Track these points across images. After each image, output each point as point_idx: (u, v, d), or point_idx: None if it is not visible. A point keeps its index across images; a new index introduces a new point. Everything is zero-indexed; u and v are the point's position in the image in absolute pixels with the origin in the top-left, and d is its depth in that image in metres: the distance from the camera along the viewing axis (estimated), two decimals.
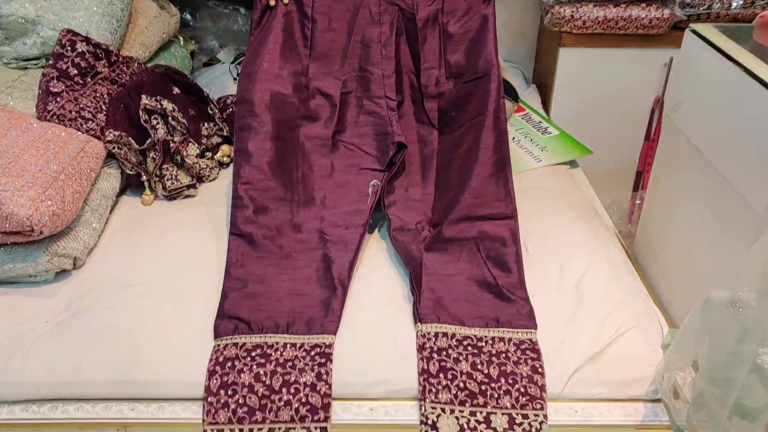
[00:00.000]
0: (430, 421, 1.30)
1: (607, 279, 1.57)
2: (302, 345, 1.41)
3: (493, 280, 1.53)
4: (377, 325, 1.45)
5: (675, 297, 1.65)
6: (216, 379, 1.35)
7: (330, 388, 1.35)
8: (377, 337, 1.43)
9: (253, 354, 1.39)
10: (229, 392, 1.33)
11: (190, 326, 1.45)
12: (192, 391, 1.35)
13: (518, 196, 1.70)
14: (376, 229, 1.74)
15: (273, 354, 1.39)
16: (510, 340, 1.43)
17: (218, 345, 1.41)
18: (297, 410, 1.32)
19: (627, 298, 1.52)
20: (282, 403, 1.32)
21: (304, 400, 1.33)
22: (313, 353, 1.39)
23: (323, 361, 1.38)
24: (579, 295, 1.54)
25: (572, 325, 1.46)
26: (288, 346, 1.41)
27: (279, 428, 1.31)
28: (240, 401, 1.32)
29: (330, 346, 1.41)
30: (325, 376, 1.36)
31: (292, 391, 1.34)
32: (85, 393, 1.35)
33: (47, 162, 1.53)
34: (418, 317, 1.45)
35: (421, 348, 1.40)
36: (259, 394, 1.33)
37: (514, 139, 2.18)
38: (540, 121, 2.29)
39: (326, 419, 1.32)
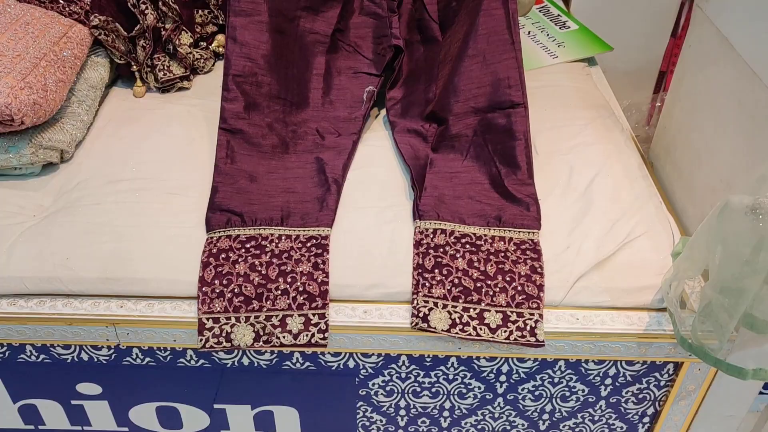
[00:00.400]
0: (421, 314, 1.27)
1: (618, 183, 1.48)
2: (297, 237, 1.37)
3: (499, 177, 1.46)
4: (374, 226, 1.39)
5: (690, 203, 1.56)
6: (210, 270, 1.31)
7: (327, 276, 1.31)
8: (373, 240, 1.37)
9: (248, 246, 1.35)
10: (224, 282, 1.30)
11: (180, 223, 1.39)
12: (182, 290, 1.32)
13: (529, 94, 1.59)
14: (375, 130, 1.64)
15: (268, 245, 1.35)
16: (510, 239, 1.37)
17: (211, 238, 1.36)
18: (294, 298, 1.29)
19: (638, 204, 1.44)
20: (279, 291, 1.29)
21: (301, 288, 1.29)
22: (309, 244, 1.35)
23: (320, 251, 1.34)
24: (588, 199, 1.46)
25: (578, 231, 1.39)
26: (283, 237, 1.37)
27: (276, 316, 1.28)
28: (236, 290, 1.29)
29: (326, 238, 1.36)
30: (322, 266, 1.32)
31: (289, 280, 1.30)
32: (72, 289, 1.32)
33: (26, 47, 1.44)
34: (418, 214, 1.39)
35: (417, 244, 1.35)
36: (255, 283, 1.30)
37: (529, 33, 2.03)
38: (559, 15, 2.13)
39: (324, 306, 1.29)
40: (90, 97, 1.65)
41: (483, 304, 1.28)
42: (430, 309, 1.28)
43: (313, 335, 1.28)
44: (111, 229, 1.37)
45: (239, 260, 1.33)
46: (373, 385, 1.41)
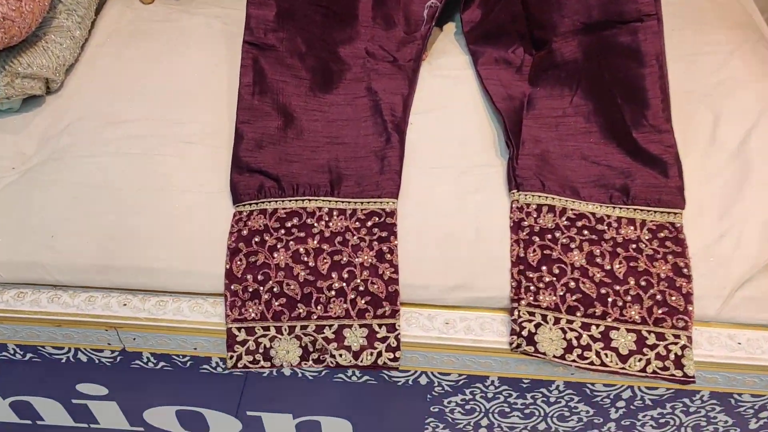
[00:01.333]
0: (525, 332, 0.93)
1: None
2: (354, 212, 1.02)
3: (622, 120, 1.06)
4: (453, 198, 1.04)
5: None
6: (240, 260, 0.98)
7: (396, 271, 0.97)
8: (453, 218, 1.02)
9: (289, 224, 1.01)
10: (259, 277, 0.97)
11: (200, 186, 1.05)
12: (204, 284, 0.99)
13: None
14: (445, 55, 1.24)
15: (316, 225, 1.01)
16: (643, 223, 1.00)
17: (240, 213, 1.02)
18: (353, 302, 0.96)
19: None
20: (333, 292, 0.97)
21: (362, 287, 0.97)
22: (369, 224, 1.01)
23: (385, 234, 0.99)
24: (743, 162, 1.06)
25: (735, 211, 1.01)
26: (335, 213, 1.02)
27: (329, 327, 0.96)
28: (275, 290, 0.97)
29: (392, 214, 1.01)
30: (389, 256, 0.98)
31: (345, 275, 0.97)
32: (60, 279, 1.00)
33: None
34: (515, 181, 1.03)
35: (516, 226, 1.00)
36: (301, 279, 0.97)
37: None
38: None
39: (394, 313, 0.96)
40: (83, 5, 1.27)
41: (609, 320, 0.94)
42: (537, 325, 0.94)
43: (379, 354, 0.95)
44: (109, 195, 1.04)
45: (278, 246, 0.99)
46: (449, 403, 1.10)
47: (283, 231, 1.01)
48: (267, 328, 0.97)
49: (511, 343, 0.94)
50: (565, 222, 1.01)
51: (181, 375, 1.10)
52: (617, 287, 0.95)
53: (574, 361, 0.92)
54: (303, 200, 1.04)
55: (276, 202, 1.03)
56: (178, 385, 1.13)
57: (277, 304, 0.97)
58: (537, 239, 0.99)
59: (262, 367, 0.96)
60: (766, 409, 1.03)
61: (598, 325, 0.94)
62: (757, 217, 1.00)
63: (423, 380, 1.05)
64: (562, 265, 0.97)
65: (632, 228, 1.00)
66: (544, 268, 0.97)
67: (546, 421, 1.12)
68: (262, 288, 0.97)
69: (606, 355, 0.92)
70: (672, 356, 0.92)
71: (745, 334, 0.95)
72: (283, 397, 1.13)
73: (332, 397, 1.12)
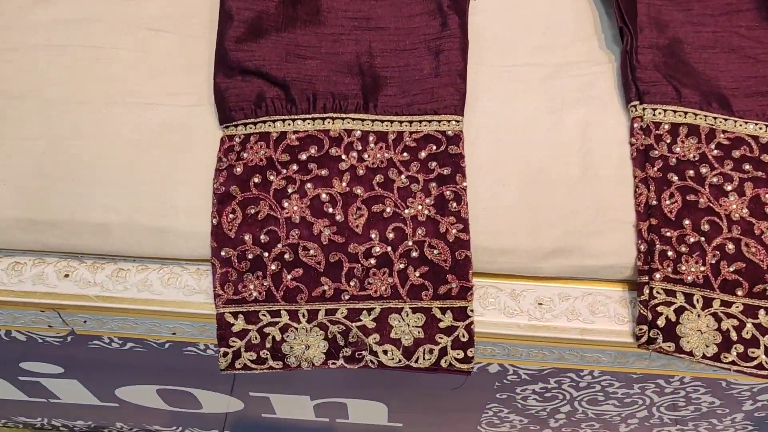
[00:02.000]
0: (661, 321, 0.63)
1: None
2: (400, 137, 0.69)
3: None
4: (540, 113, 0.72)
5: None
6: (233, 211, 0.66)
7: (467, 228, 0.66)
8: (545, 147, 0.70)
9: (304, 157, 0.68)
10: (263, 238, 0.66)
11: (168, 97, 0.72)
12: (180, 246, 0.67)
13: None
14: None
15: (344, 157, 0.68)
16: None
17: (230, 139, 0.69)
18: (403, 275, 0.65)
19: None
20: (372, 260, 0.65)
21: (416, 253, 0.65)
22: (424, 155, 0.68)
23: (447, 172, 0.67)
24: None
25: None
26: (371, 139, 0.69)
27: (369, 311, 0.65)
28: (287, 257, 0.65)
29: (457, 140, 0.69)
30: (454, 205, 0.66)
31: (390, 235, 0.66)
32: None
33: None
34: (635, 88, 0.70)
35: (642, 157, 0.68)
36: (325, 242, 0.66)
37: None
38: None
39: (465, 292, 0.64)
40: None
41: None
42: (680, 310, 0.63)
43: (443, 353, 0.65)
44: (37, 110, 0.70)
45: (288, 189, 0.67)
46: (524, 390, 0.82)
47: (295, 167, 0.68)
48: (277, 313, 0.66)
49: (638, 336, 0.64)
50: (715, 151, 0.68)
51: (158, 357, 0.80)
52: None
53: (733, 363, 0.63)
54: (324, 119, 0.70)
55: (284, 122, 0.70)
56: (156, 366, 0.84)
57: (290, 278, 0.66)
58: (674, 177, 0.67)
59: (271, 368, 0.66)
60: None
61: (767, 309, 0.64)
62: None
63: (493, 369, 0.76)
64: (714, 219, 0.65)
65: None
66: (687, 222, 0.65)
67: (650, 410, 0.85)
68: (267, 254, 0.66)
69: None
70: None
71: None
72: (297, 377, 0.85)
73: (361, 376, 0.84)
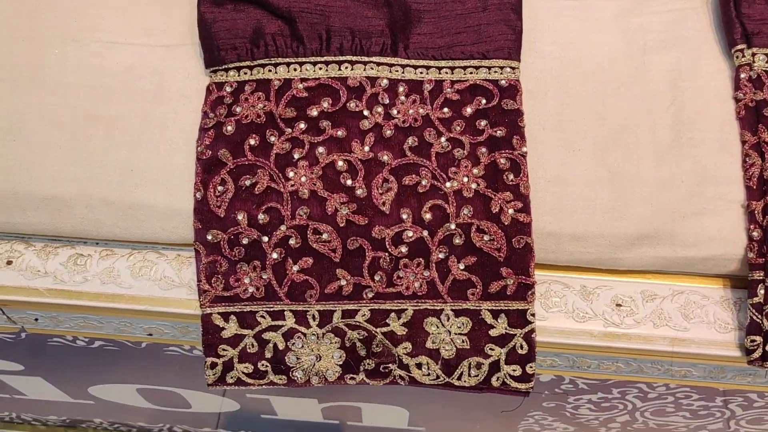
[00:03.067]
0: None
1: None
2: (439, 87, 0.54)
3: None
4: (618, 61, 0.57)
5: None
6: (221, 182, 0.52)
7: (527, 207, 0.51)
8: (624, 102, 0.55)
9: (315, 112, 0.53)
10: (261, 218, 0.51)
11: (139, 33, 0.57)
12: (155, 227, 0.52)
13: None
14: None
15: (366, 112, 0.53)
16: None
17: (219, 87, 0.54)
18: (444, 267, 0.51)
19: None
20: (403, 248, 0.51)
21: (460, 239, 0.51)
22: (470, 110, 0.53)
23: (501, 132, 0.53)
24: None
25: None
26: (402, 90, 0.54)
27: (399, 313, 0.51)
28: (292, 242, 0.51)
29: (514, 92, 0.54)
30: (511, 176, 0.51)
31: (428, 216, 0.51)
32: None
33: None
34: (740, 28, 0.55)
35: (752, 116, 0.53)
36: (341, 223, 0.51)
37: None
38: None
39: (524, 291, 0.50)
40: None
41: None
42: None
43: (495, 368, 0.50)
44: None
45: (294, 154, 0.52)
46: (578, 399, 0.68)
47: (303, 125, 0.52)
48: (280, 315, 0.51)
49: (749, 350, 0.49)
50: None
51: (135, 356, 0.66)
52: None
53: None
54: (340, 63, 0.54)
55: (288, 66, 0.54)
56: (134, 365, 0.70)
57: (297, 269, 0.51)
58: None
59: (272, 383, 0.52)
60: None
61: None
62: None
63: (545, 378, 0.62)
64: None
65: None
66: None
67: (727, 422, 0.71)
68: (266, 239, 0.51)
69: None
70: None
71: None
72: None
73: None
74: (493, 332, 0.50)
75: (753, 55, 0.54)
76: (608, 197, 0.52)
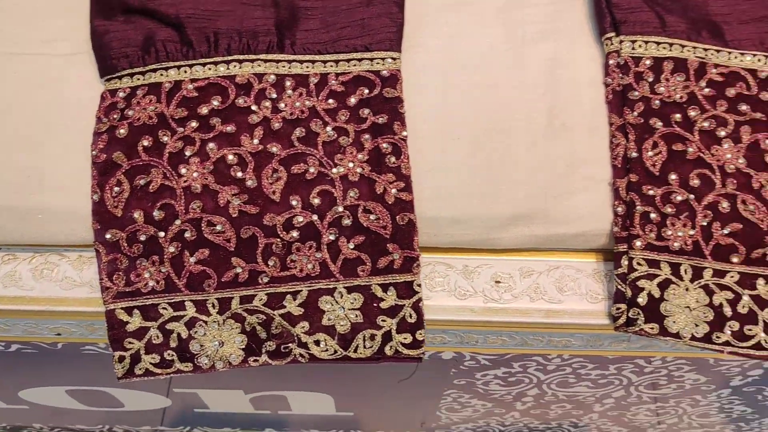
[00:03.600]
0: (642, 299, 0.52)
1: None
2: (324, 80, 0.57)
3: None
4: (498, 52, 0.60)
5: None
6: (117, 183, 0.54)
7: (409, 187, 0.54)
8: (503, 90, 0.58)
9: (205, 110, 0.55)
10: (156, 214, 0.53)
11: (37, 44, 0.59)
12: (55, 229, 0.54)
13: None
14: None
15: (254, 108, 0.56)
16: None
17: (113, 94, 0.57)
18: (334, 248, 0.53)
19: None
20: (295, 232, 0.53)
21: (348, 220, 0.53)
22: (354, 100, 0.56)
23: (383, 120, 0.56)
24: None
25: None
26: (287, 83, 0.56)
27: (295, 294, 0.53)
28: (188, 235, 0.53)
29: (394, 81, 0.57)
30: (393, 159, 0.55)
31: (316, 200, 0.54)
32: None
33: None
34: (610, 17, 0.59)
35: (619, 100, 0.57)
36: (234, 213, 0.53)
37: None
38: None
39: (410, 264, 0.53)
40: None
41: None
42: (665, 284, 0.53)
43: (387, 337, 0.53)
44: None
45: (186, 152, 0.54)
46: (485, 375, 0.71)
47: (195, 124, 0.55)
48: (181, 305, 0.53)
49: (615, 317, 0.53)
50: (706, 90, 0.57)
51: (55, 358, 0.68)
52: None
53: (726, 344, 0.52)
54: (228, 62, 0.56)
55: (179, 68, 0.56)
56: (56, 367, 0.72)
57: (194, 261, 0.53)
58: (658, 123, 0.56)
59: (179, 371, 0.55)
60: None
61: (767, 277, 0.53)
62: None
63: (447, 356, 0.65)
64: (705, 171, 0.55)
65: None
66: (673, 177, 0.54)
67: (627, 389, 0.75)
68: (163, 234, 0.53)
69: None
70: None
71: None
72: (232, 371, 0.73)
73: (306, 370, 0.72)
74: (383, 304, 0.53)
75: (620, 42, 0.58)
76: (485, 182, 0.55)
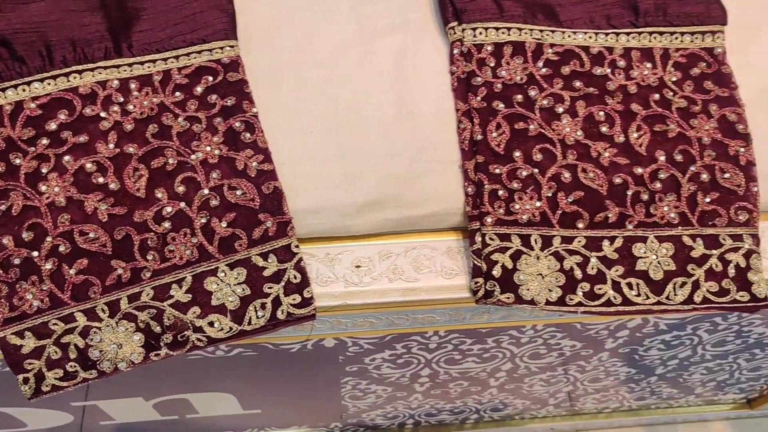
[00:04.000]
0: (497, 271, 0.55)
1: None
2: (167, 77, 0.59)
3: None
4: (346, 46, 0.63)
5: None
6: None
7: (269, 158, 0.57)
8: (352, 82, 0.61)
9: (51, 125, 0.56)
10: (25, 236, 0.54)
11: None
12: None
13: None
14: None
15: (104, 114, 0.57)
16: (666, 55, 0.63)
17: None
18: (208, 230, 0.55)
19: None
20: (167, 224, 0.55)
21: (215, 201, 0.55)
22: (200, 90, 0.59)
23: (231, 102, 0.58)
24: None
25: None
26: (132, 85, 0.58)
27: (179, 282, 0.54)
28: (62, 249, 0.54)
29: (235, 66, 0.59)
30: (248, 135, 0.57)
31: (181, 189, 0.56)
32: None
33: None
34: (452, 7, 0.62)
35: (464, 86, 0.61)
36: (104, 219, 0.54)
37: None
38: None
39: (283, 229, 0.55)
40: None
41: (631, 226, 0.57)
42: (516, 255, 0.56)
43: (277, 302, 0.54)
44: None
45: (42, 169, 0.55)
46: (373, 360, 0.74)
47: (45, 141, 0.55)
48: (71, 318, 0.54)
49: (474, 291, 0.56)
50: (544, 70, 0.61)
51: None
52: (639, 170, 0.58)
53: (579, 304, 0.56)
54: (68, 75, 0.57)
55: (16, 88, 0.56)
56: None
57: (74, 272, 0.54)
58: (500, 105, 0.59)
59: (85, 380, 0.55)
60: None
61: (613, 239, 0.57)
62: None
63: (329, 343, 0.67)
64: (547, 146, 0.58)
65: (649, 65, 0.62)
66: (517, 154, 0.58)
67: (513, 361, 0.78)
68: (37, 253, 0.53)
69: (630, 285, 0.56)
70: (732, 271, 0.57)
71: None
72: (124, 380, 0.74)
73: (196, 371, 0.73)
74: (266, 272, 0.55)
75: (463, 30, 0.61)
76: (338, 172, 0.57)
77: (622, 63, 0.61)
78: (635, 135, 0.59)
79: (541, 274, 0.56)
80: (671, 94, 0.61)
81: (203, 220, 0.55)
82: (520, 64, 0.61)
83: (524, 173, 0.58)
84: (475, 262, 0.56)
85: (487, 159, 0.58)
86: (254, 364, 0.71)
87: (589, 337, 0.73)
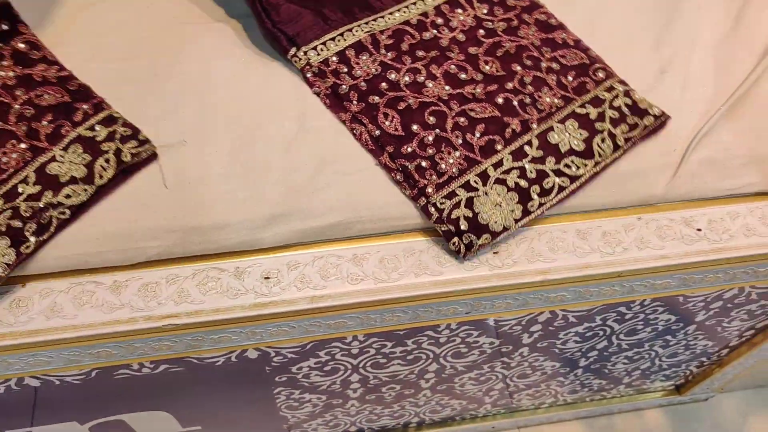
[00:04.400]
0: (462, 224, 0.60)
1: None
2: None
3: None
4: (251, 69, 0.66)
5: None
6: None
7: (61, 66, 0.63)
8: (255, 103, 0.64)
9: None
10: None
11: None
12: None
13: None
14: None
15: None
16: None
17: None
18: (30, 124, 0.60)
19: None
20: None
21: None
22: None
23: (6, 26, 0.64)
24: None
25: (677, 30, 0.70)
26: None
27: (25, 181, 0.58)
28: None
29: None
30: (35, 53, 0.64)
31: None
32: None
33: None
34: (284, 37, 0.67)
35: (335, 100, 0.65)
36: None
37: None
38: None
39: (98, 108, 0.61)
40: None
41: (535, 126, 0.65)
42: (469, 201, 0.61)
43: (118, 153, 0.59)
44: None
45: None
46: (299, 369, 0.76)
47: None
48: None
49: (456, 251, 0.60)
50: (389, 55, 0.67)
51: None
52: (509, 85, 0.67)
53: (541, 205, 0.62)
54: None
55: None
56: None
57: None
58: (376, 98, 0.65)
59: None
60: (722, 299, 0.77)
61: (530, 142, 0.64)
62: (704, 36, 0.69)
63: (252, 354, 0.70)
64: (433, 108, 0.64)
65: (460, 11, 0.72)
66: (415, 127, 0.63)
67: (438, 362, 0.81)
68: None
69: (568, 165, 0.63)
70: (626, 110, 0.66)
71: (705, 215, 0.65)
72: (43, 402, 0.75)
73: (125, 390, 0.75)
74: (99, 138, 0.60)
75: (305, 53, 0.65)
76: (243, 188, 0.60)
77: (440, 20, 0.70)
78: (488, 68, 0.68)
79: (497, 204, 0.61)
80: (490, 23, 0.70)
81: (24, 129, 0.59)
82: (368, 59, 0.66)
83: (430, 138, 0.63)
84: (443, 228, 0.60)
85: (395, 145, 0.62)
86: (183, 379, 0.73)
87: (504, 333, 0.76)
